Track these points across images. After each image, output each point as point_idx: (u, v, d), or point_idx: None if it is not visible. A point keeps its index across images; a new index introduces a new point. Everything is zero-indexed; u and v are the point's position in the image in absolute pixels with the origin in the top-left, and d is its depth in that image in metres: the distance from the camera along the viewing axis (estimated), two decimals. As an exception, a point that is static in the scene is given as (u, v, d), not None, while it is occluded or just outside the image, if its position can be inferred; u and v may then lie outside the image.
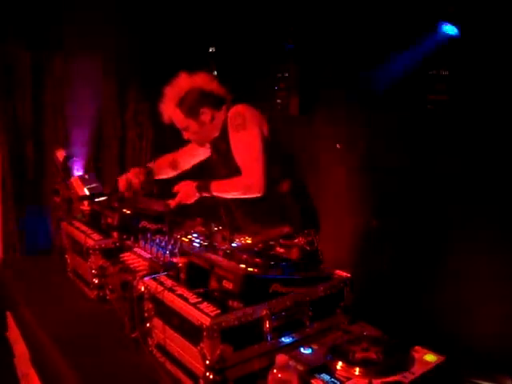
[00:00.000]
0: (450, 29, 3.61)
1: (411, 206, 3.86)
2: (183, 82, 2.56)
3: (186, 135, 2.68)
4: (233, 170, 2.47)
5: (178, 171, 2.99)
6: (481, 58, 3.40)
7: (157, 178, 2.93)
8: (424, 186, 3.80)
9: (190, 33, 4.67)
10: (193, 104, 2.54)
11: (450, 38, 3.58)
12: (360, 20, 3.96)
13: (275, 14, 4.45)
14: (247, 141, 2.42)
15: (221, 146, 2.58)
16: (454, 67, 3.65)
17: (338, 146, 4.07)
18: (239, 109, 2.46)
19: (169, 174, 2.99)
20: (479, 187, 3.41)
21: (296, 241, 1.95)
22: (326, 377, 1.41)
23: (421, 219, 3.81)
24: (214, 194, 2.49)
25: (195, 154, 2.92)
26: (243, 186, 2.43)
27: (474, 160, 3.47)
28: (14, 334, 2.60)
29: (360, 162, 4.08)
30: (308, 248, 1.93)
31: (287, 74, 4.83)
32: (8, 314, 2.71)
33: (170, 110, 2.59)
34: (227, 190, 2.50)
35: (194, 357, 1.52)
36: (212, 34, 4.84)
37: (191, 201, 2.55)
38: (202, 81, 2.57)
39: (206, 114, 2.56)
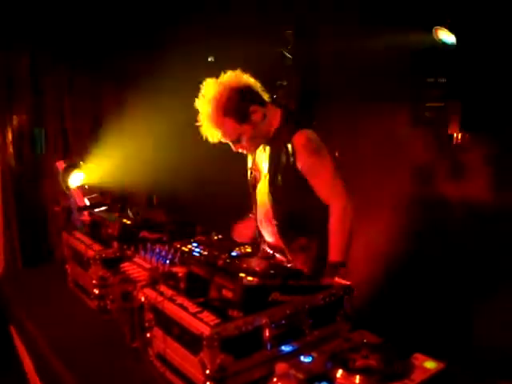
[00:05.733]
0: (447, 37, 3.63)
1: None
2: (217, 89, 2.30)
3: (237, 147, 2.46)
4: (289, 179, 2.39)
5: None
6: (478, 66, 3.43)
7: None
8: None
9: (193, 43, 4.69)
10: (241, 106, 2.31)
11: (448, 46, 3.61)
12: (357, 28, 3.99)
13: (275, 21, 4.47)
14: (325, 165, 2.37)
15: (280, 155, 2.39)
16: (451, 74, 3.67)
17: (336, 154, 4.07)
18: (309, 134, 2.36)
19: None
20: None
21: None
22: (326, 385, 1.41)
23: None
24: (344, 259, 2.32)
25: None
26: (341, 213, 2.33)
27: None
28: (18, 346, 2.60)
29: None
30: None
31: (286, 83, 4.85)
32: (11, 327, 2.71)
33: (217, 125, 2.33)
34: (344, 236, 2.33)
35: (194, 366, 1.52)
36: (211, 43, 4.87)
37: None
38: (232, 79, 2.33)
39: (257, 113, 2.35)
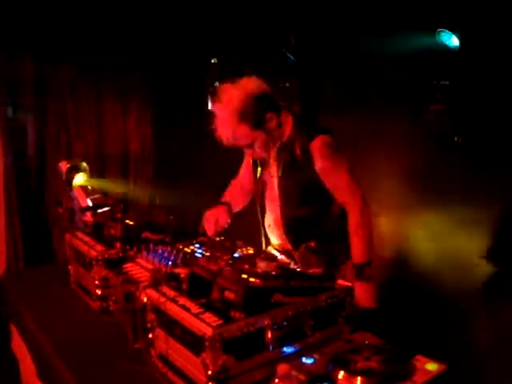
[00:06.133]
0: (450, 39, 3.63)
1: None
2: (233, 93, 2.30)
3: (249, 152, 2.51)
4: (307, 181, 2.43)
5: (250, 197, 2.82)
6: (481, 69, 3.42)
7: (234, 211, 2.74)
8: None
9: (192, 43, 4.70)
10: (257, 112, 2.31)
11: (451, 48, 3.61)
12: (360, 30, 3.99)
13: (276, 22, 4.47)
14: (343, 167, 2.41)
15: (295, 161, 2.43)
16: (454, 77, 3.67)
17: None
18: (327, 139, 2.40)
19: (241, 204, 2.83)
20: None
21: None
22: (328, 386, 1.41)
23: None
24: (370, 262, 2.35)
25: (252, 171, 2.74)
26: (360, 213, 2.37)
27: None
28: (18, 346, 2.61)
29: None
30: None
31: (288, 85, 4.85)
32: (12, 326, 2.72)
33: (232, 129, 2.31)
34: (365, 236, 2.36)
35: (197, 367, 1.52)
36: (213, 45, 4.88)
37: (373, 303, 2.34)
38: (250, 85, 2.33)
39: (272, 120, 2.37)
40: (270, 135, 2.40)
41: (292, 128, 2.46)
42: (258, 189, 2.67)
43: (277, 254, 2.61)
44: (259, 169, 2.66)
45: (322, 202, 2.48)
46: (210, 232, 2.55)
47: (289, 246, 2.54)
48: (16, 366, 2.66)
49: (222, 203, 2.73)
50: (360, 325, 1.80)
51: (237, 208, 2.79)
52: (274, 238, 2.65)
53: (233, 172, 2.90)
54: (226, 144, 2.37)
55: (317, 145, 2.38)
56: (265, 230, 2.69)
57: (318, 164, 2.38)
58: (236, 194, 2.81)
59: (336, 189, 2.43)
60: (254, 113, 2.31)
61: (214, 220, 2.59)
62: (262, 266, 1.77)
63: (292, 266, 2.14)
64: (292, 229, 2.52)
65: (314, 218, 2.48)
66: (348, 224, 2.39)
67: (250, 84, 2.34)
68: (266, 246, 2.70)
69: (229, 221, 2.65)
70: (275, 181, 2.54)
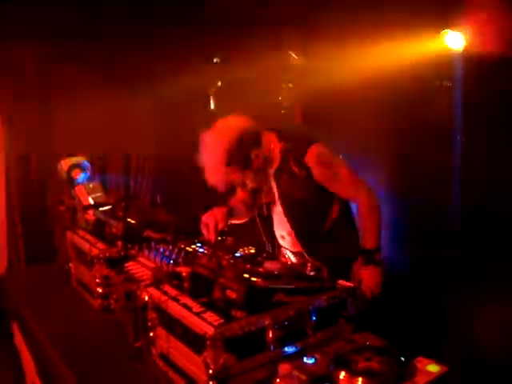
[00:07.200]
0: (454, 39, 3.62)
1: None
2: (216, 140, 2.31)
3: (244, 190, 2.57)
4: (311, 192, 2.46)
5: (251, 214, 2.79)
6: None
7: (234, 222, 2.69)
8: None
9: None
10: (243, 154, 2.32)
11: (455, 48, 3.60)
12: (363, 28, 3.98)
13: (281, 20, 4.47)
14: (342, 169, 2.45)
15: (293, 176, 2.43)
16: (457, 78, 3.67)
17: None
18: (320, 148, 2.42)
19: (244, 216, 2.79)
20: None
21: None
22: (329, 387, 1.41)
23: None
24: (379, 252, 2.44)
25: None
26: (369, 203, 2.44)
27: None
28: (20, 343, 2.61)
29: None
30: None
31: (291, 85, 4.85)
32: (14, 324, 2.72)
33: (222, 175, 2.33)
34: (375, 223, 2.45)
35: (198, 366, 1.52)
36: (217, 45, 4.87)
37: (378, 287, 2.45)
38: (230, 126, 2.34)
39: (258, 157, 2.37)
40: (260, 168, 2.40)
41: (280, 149, 2.46)
42: (263, 213, 2.66)
43: (290, 254, 2.63)
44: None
45: (329, 208, 2.53)
46: (212, 238, 2.41)
47: (302, 249, 2.57)
48: (19, 363, 2.66)
49: (221, 205, 2.65)
50: (362, 312, 1.84)
51: (237, 218, 2.72)
52: (289, 244, 2.65)
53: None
54: (220, 190, 2.39)
55: (311, 156, 2.39)
56: (269, 237, 2.71)
57: (317, 174, 2.41)
58: (237, 204, 2.76)
59: (341, 191, 2.48)
60: (241, 155, 2.31)
61: (213, 223, 2.44)
62: (266, 265, 1.77)
63: (307, 267, 2.12)
64: (308, 240, 2.56)
65: (325, 225, 2.53)
66: (358, 213, 2.48)
67: (231, 126, 2.35)
68: (278, 248, 2.71)
69: (228, 223, 2.55)
70: (278, 204, 2.56)
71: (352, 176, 2.47)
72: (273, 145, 2.47)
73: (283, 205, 2.53)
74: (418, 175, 3.80)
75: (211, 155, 2.31)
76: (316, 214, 2.53)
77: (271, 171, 2.50)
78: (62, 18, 4.19)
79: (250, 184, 2.45)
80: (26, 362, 2.54)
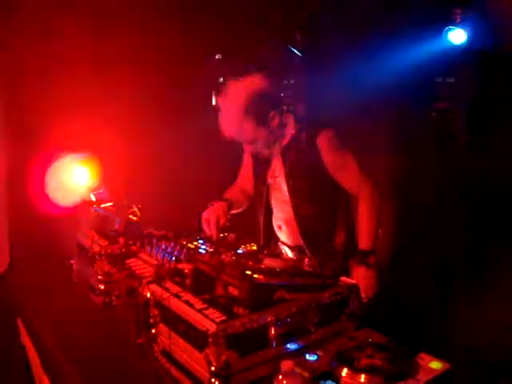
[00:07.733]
0: (457, 36, 3.61)
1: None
2: (239, 90, 2.34)
3: (249, 148, 2.52)
4: (317, 174, 2.45)
5: (250, 201, 2.80)
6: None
7: (232, 212, 2.65)
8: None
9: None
10: (261, 110, 2.35)
11: (457, 45, 3.59)
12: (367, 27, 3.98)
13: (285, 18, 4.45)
14: (350, 158, 2.45)
15: (302, 158, 2.45)
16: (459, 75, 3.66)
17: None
18: (331, 133, 2.42)
19: (240, 206, 2.76)
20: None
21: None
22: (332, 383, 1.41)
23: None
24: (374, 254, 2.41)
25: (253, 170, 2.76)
26: (370, 201, 2.44)
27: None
28: (25, 340, 2.61)
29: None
30: None
31: (293, 81, 4.83)
32: (19, 320, 2.72)
33: (237, 123, 2.35)
34: (373, 224, 2.43)
35: (200, 363, 1.52)
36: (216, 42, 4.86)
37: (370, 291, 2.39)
38: (255, 83, 2.35)
39: (274, 119, 2.39)
40: (272, 134, 2.42)
41: (294, 127, 2.48)
42: (262, 191, 2.65)
43: (287, 250, 2.62)
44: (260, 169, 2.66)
45: (334, 197, 2.52)
46: (214, 234, 2.37)
47: (301, 242, 2.54)
48: (26, 359, 2.67)
49: (221, 199, 2.63)
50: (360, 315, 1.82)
51: (236, 209, 2.71)
52: (286, 237, 2.64)
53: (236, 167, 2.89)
54: (229, 138, 2.40)
55: (323, 139, 2.39)
56: (267, 229, 2.68)
57: (327, 158, 2.40)
58: (236, 194, 2.76)
59: (346, 181, 2.48)
60: (258, 110, 2.34)
61: (214, 219, 2.41)
62: (267, 262, 1.77)
63: (305, 261, 2.12)
64: (307, 227, 2.52)
65: (327, 213, 2.52)
66: (358, 211, 2.45)
67: (255, 82, 2.36)
68: (274, 243, 2.70)
69: (228, 217, 2.53)
70: (282, 181, 2.53)
71: (361, 170, 2.47)
72: (288, 119, 2.49)
73: (288, 181, 2.50)
74: (418, 175, 3.81)
75: (230, 102, 2.36)
76: (323, 201, 2.51)
77: (280, 147, 2.50)
78: None
79: (259, 145, 2.45)
80: (32, 358, 2.54)
